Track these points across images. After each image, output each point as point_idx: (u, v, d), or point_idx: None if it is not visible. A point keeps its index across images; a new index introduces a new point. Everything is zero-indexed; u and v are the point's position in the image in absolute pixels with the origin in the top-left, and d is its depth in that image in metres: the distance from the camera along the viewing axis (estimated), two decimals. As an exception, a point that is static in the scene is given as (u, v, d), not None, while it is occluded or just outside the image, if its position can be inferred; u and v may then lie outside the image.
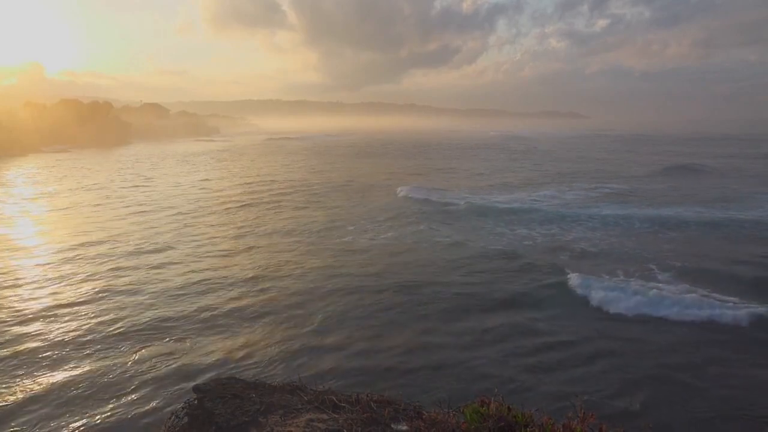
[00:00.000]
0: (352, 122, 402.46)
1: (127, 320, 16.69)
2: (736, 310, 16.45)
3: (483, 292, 19.21)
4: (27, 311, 17.39)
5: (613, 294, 17.57)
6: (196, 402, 5.29)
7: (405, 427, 4.63)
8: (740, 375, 13.38)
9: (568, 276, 19.87)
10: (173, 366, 13.84)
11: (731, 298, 17.71)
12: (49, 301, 18.32)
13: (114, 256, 24.09)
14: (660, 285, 18.92)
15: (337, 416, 4.93)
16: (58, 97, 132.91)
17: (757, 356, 14.26)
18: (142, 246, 26.12)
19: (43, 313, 17.27)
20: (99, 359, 14.19)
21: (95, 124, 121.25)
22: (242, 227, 30.91)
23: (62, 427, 11.26)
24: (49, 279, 20.78)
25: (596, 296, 17.69)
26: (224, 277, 21.20)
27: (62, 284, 20.13)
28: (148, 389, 12.76)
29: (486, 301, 18.41)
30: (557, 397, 12.16)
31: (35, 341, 15.11)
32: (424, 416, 4.63)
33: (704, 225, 29.88)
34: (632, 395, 12.40)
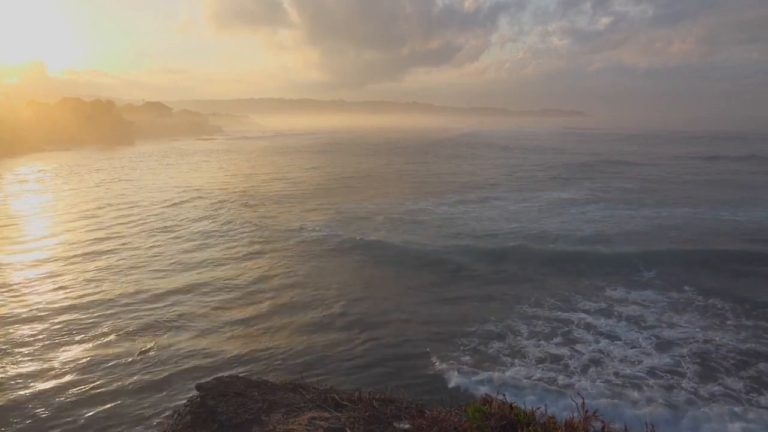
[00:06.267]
0: (350, 121, 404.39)
1: (127, 315, 16.80)
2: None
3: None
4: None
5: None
6: (198, 400, 5.31)
7: (407, 425, 4.64)
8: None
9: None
10: (175, 364, 13.90)
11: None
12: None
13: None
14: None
15: (339, 414, 4.95)
16: (60, 96, 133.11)
17: None
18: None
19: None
20: (101, 356, 14.27)
21: (97, 123, 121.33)
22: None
23: (63, 425, 11.33)
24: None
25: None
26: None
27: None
28: (150, 387, 12.82)
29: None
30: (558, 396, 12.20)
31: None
32: (426, 414, 4.63)
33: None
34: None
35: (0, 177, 55.42)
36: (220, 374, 7.69)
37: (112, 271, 21.89)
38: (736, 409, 11.82)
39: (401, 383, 12.63)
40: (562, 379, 13.13)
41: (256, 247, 26.02)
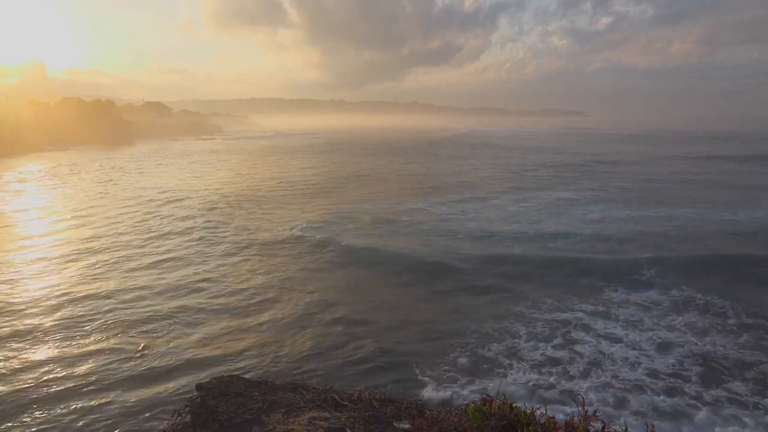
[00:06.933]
0: (350, 121, 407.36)
1: (124, 314, 16.80)
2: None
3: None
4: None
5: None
6: (198, 400, 5.31)
7: (407, 425, 4.63)
8: None
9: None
10: (174, 363, 13.89)
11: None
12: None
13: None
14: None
15: (339, 414, 4.94)
16: (60, 96, 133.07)
17: None
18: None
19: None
20: (98, 355, 14.26)
21: (97, 123, 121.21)
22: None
23: (62, 424, 11.32)
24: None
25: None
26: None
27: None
28: (149, 387, 12.80)
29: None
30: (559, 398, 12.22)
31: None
32: (426, 414, 4.63)
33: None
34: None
35: (-1, 176, 55.46)
36: (220, 374, 7.69)
37: (109, 270, 21.86)
38: (740, 412, 11.79)
39: (400, 383, 12.69)
40: (561, 383, 13.11)
41: (254, 247, 26.00)
